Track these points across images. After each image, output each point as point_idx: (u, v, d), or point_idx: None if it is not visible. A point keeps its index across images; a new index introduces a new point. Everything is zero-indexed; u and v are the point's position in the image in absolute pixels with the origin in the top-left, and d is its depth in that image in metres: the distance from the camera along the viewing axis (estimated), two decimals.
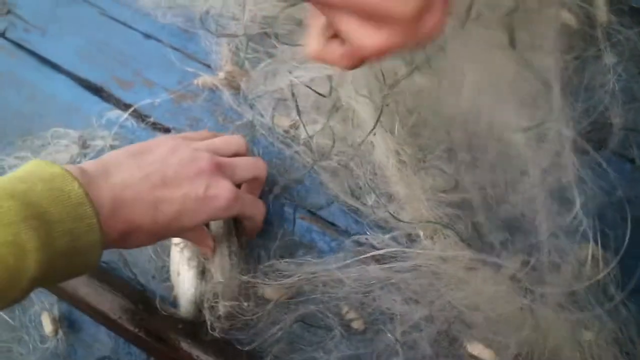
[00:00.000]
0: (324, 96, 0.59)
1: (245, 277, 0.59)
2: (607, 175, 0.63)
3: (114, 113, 0.74)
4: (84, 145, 0.73)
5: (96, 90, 0.76)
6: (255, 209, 0.61)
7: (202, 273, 0.61)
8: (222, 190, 0.55)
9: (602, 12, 0.62)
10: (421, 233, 0.62)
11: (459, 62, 0.57)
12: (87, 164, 0.51)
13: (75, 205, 0.45)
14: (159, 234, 0.54)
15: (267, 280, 0.60)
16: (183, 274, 0.61)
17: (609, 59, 0.63)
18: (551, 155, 0.60)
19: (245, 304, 0.59)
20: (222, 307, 0.58)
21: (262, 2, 0.64)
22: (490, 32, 0.59)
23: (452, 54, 0.57)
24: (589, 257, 0.58)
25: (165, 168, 0.53)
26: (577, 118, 0.63)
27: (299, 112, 0.62)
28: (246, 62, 0.68)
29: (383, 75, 0.58)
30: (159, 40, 0.76)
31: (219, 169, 0.56)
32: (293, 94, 0.61)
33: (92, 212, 0.45)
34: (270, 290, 0.61)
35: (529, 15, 0.59)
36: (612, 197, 0.63)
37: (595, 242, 0.59)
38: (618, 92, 0.64)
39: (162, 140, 0.57)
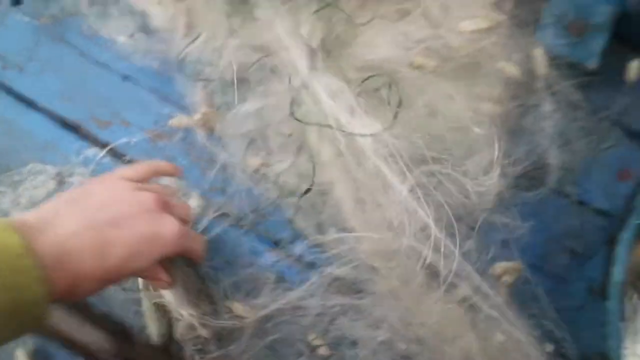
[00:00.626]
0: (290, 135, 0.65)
1: (208, 309, 0.63)
2: (546, 210, 0.70)
3: (92, 151, 0.78)
4: (61, 181, 0.76)
5: (74, 129, 0.80)
6: (199, 244, 0.62)
7: (164, 307, 0.65)
8: (170, 226, 0.54)
9: (541, 66, 0.69)
10: (378, 263, 0.67)
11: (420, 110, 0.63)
12: (29, 215, 0.49)
13: (15, 257, 0.43)
14: (111, 280, 0.52)
15: (233, 313, 0.64)
16: (145, 308, 0.65)
17: (548, 106, 0.70)
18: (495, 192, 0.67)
19: (207, 334, 0.63)
20: (189, 337, 0.62)
21: (237, 51, 0.69)
22: (449, 83, 0.66)
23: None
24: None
25: (108, 211, 0.51)
26: (520, 159, 0.70)
27: (267, 152, 0.67)
28: (220, 105, 0.72)
29: None
30: (136, 82, 0.80)
31: (163, 206, 0.55)
32: (263, 136, 0.67)
33: (34, 264, 0.44)
34: (239, 319, 0.66)
35: (479, 68, 0.67)
36: (551, 230, 0.70)
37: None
38: (555, 136, 0.71)
39: (100, 182, 0.56)
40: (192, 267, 0.65)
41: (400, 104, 0.61)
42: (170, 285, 0.59)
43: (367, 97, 0.63)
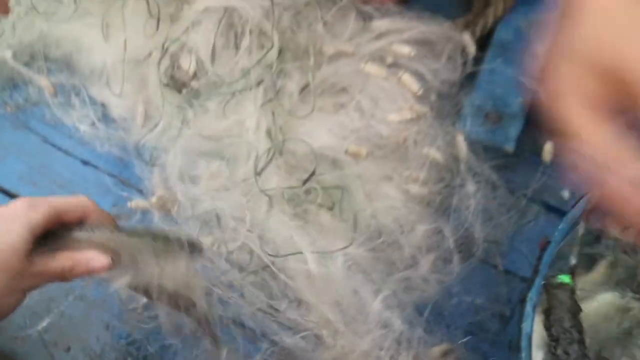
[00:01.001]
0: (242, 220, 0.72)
1: None
2: (473, 279, 0.78)
3: None
4: None
5: None
6: (75, 206, 0.60)
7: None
8: (14, 203, 0.56)
9: (463, 150, 0.78)
10: (324, 332, 0.73)
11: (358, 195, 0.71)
12: None
13: None
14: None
15: None
16: None
17: (471, 187, 0.78)
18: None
19: None
20: None
21: (191, 139, 0.76)
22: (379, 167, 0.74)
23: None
24: None
25: None
26: (449, 234, 0.77)
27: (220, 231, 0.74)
28: (176, 189, 0.79)
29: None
30: (96, 167, 0.86)
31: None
32: (217, 217, 0.73)
33: None
34: None
35: (407, 154, 0.75)
36: (479, 299, 0.77)
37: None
38: (479, 213, 0.79)
39: None
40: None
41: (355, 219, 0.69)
42: (112, 265, 0.58)
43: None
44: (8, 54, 0.88)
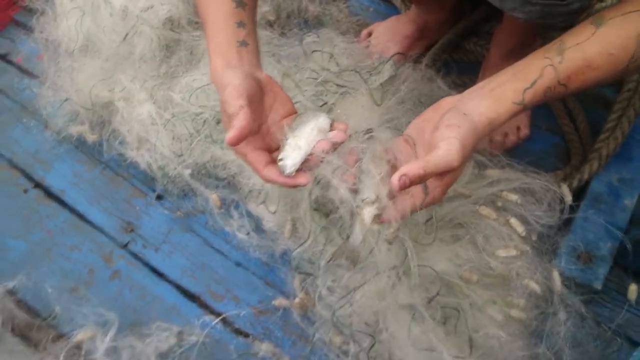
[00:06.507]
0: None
1: None
2: None
3: (208, 317, 1.01)
4: (181, 339, 0.99)
5: (194, 298, 1.04)
6: None
7: None
8: None
9: (557, 284, 0.92)
10: None
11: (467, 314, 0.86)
12: None
13: None
14: None
15: None
16: None
17: (562, 315, 0.91)
18: None
19: None
20: None
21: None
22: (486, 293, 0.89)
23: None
24: None
25: None
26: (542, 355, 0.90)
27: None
28: (314, 294, 0.96)
29: None
30: (247, 269, 1.06)
31: None
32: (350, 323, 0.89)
33: None
34: None
35: (510, 283, 0.90)
36: None
37: None
38: (569, 339, 0.91)
39: None
40: None
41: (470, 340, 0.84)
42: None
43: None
44: (187, 172, 1.10)
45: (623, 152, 1.05)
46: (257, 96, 0.77)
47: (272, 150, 0.79)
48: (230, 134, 0.71)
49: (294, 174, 0.76)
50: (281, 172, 0.76)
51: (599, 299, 0.96)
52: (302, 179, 0.76)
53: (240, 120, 0.71)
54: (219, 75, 0.77)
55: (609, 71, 0.72)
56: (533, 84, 0.72)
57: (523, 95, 0.72)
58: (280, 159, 0.76)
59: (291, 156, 0.76)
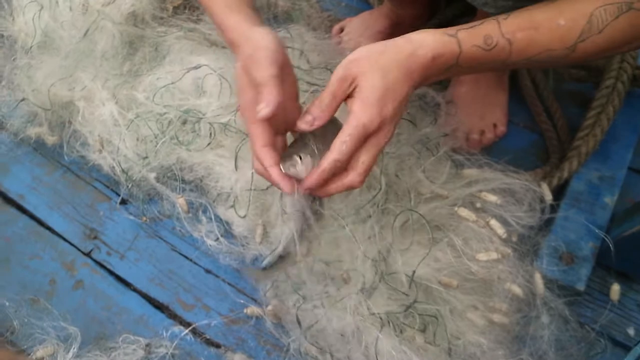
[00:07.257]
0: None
1: None
2: None
3: (177, 328, 0.96)
4: (149, 351, 0.94)
5: (162, 308, 0.99)
6: None
7: None
8: None
9: (539, 287, 0.89)
10: None
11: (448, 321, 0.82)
12: None
13: None
14: None
15: None
16: None
17: (545, 319, 0.88)
18: None
19: None
20: None
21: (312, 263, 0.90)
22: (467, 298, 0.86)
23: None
24: None
25: None
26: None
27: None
28: (288, 300, 0.92)
29: None
30: (217, 276, 1.01)
31: None
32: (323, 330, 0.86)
33: None
34: None
35: (491, 287, 0.87)
36: None
37: None
38: (552, 342, 0.88)
39: None
40: None
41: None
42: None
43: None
44: (152, 175, 1.04)
45: (602, 149, 1.03)
46: (284, 69, 0.71)
47: (274, 131, 0.73)
48: (266, 111, 0.66)
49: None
50: (283, 167, 0.70)
51: (582, 300, 0.94)
52: (288, 185, 0.70)
53: (274, 95, 0.66)
54: (242, 30, 0.72)
55: (555, 42, 0.69)
56: (471, 27, 0.69)
57: (457, 32, 0.69)
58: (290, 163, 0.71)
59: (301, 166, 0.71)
